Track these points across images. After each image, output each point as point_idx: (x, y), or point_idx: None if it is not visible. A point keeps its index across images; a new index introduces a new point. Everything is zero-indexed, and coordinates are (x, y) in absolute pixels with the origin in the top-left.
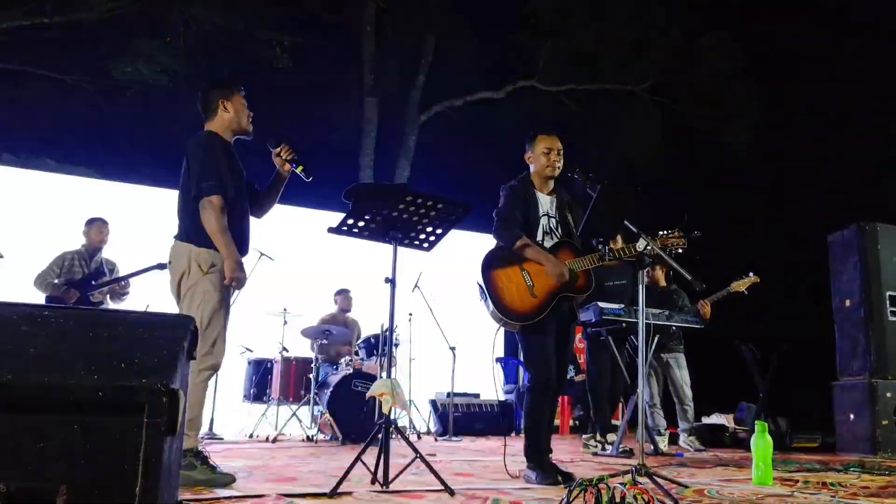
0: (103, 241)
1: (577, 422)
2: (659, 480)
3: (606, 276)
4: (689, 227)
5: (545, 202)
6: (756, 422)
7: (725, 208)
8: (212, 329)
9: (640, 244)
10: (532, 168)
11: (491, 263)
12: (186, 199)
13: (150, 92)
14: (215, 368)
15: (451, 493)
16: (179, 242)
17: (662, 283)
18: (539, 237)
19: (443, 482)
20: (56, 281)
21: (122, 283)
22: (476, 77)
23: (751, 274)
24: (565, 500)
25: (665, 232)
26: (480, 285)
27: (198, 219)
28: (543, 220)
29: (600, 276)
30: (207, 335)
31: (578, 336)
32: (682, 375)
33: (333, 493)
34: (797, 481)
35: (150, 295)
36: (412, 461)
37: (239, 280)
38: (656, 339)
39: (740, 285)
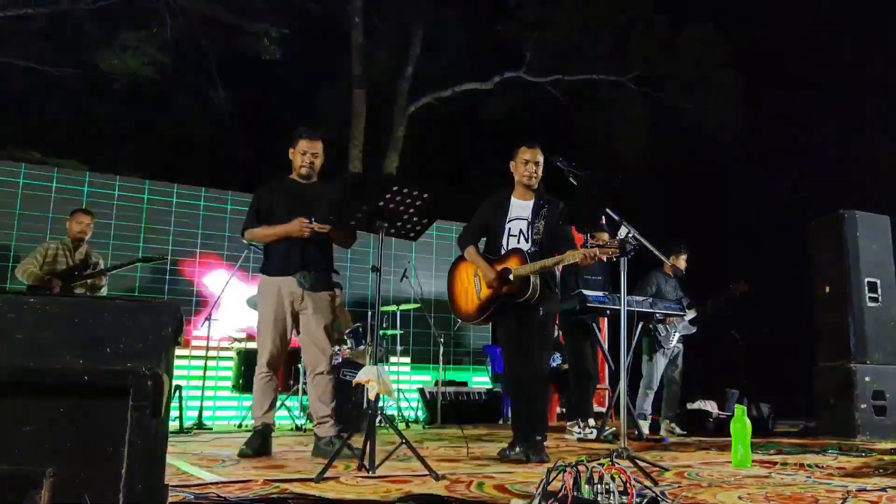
0: (83, 231)
1: (563, 409)
2: (640, 463)
3: (586, 269)
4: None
5: (519, 207)
6: (736, 405)
7: (710, 197)
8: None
9: (622, 232)
10: (514, 174)
11: (455, 265)
12: None
13: (137, 83)
14: None
15: (437, 477)
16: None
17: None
18: (504, 240)
19: (428, 467)
20: (39, 271)
21: (102, 276)
22: (464, 68)
23: (741, 281)
24: (544, 481)
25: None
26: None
27: None
28: (511, 225)
29: (579, 268)
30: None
31: None
32: (682, 365)
33: (320, 479)
34: (776, 463)
35: (134, 286)
36: (398, 447)
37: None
38: (640, 326)
39: (734, 292)
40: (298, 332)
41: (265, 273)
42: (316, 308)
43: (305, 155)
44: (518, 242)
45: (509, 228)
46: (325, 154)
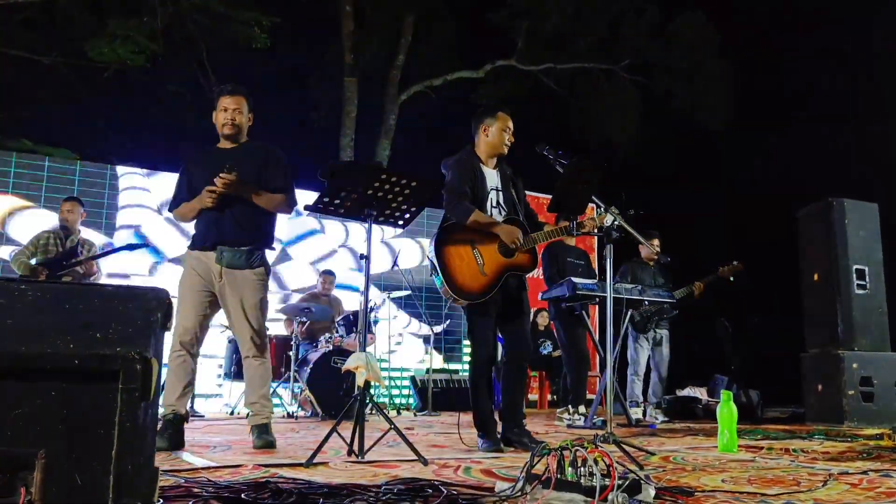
0: (67, 219)
1: (554, 396)
2: (625, 448)
3: (568, 252)
4: (626, 205)
5: (491, 176)
6: (722, 391)
7: (700, 185)
8: None
9: (608, 219)
10: (484, 139)
11: (443, 240)
12: None
13: (128, 72)
14: None
15: (425, 462)
16: None
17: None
18: (488, 211)
19: (416, 452)
20: (32, 261)
21: (91, 263)
22: (455, 57)
23: (735, 262)
24: (528, 464)
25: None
26: (432, 261)
27: None
28: (492, 195)
29: (563, 250)
30: None
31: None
32: (667, 351)
33: (309, 463)
34: (761, 448)
35: (125, 274)
36: (386, 432)
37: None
38: (629, 313)
39: (726, 272)
40: (219, 311)
41: (188, 247)
42: (236, 288)
43: (227, 112)
44: (500, 214)
45: (491, 198)
46: (316, 143)
